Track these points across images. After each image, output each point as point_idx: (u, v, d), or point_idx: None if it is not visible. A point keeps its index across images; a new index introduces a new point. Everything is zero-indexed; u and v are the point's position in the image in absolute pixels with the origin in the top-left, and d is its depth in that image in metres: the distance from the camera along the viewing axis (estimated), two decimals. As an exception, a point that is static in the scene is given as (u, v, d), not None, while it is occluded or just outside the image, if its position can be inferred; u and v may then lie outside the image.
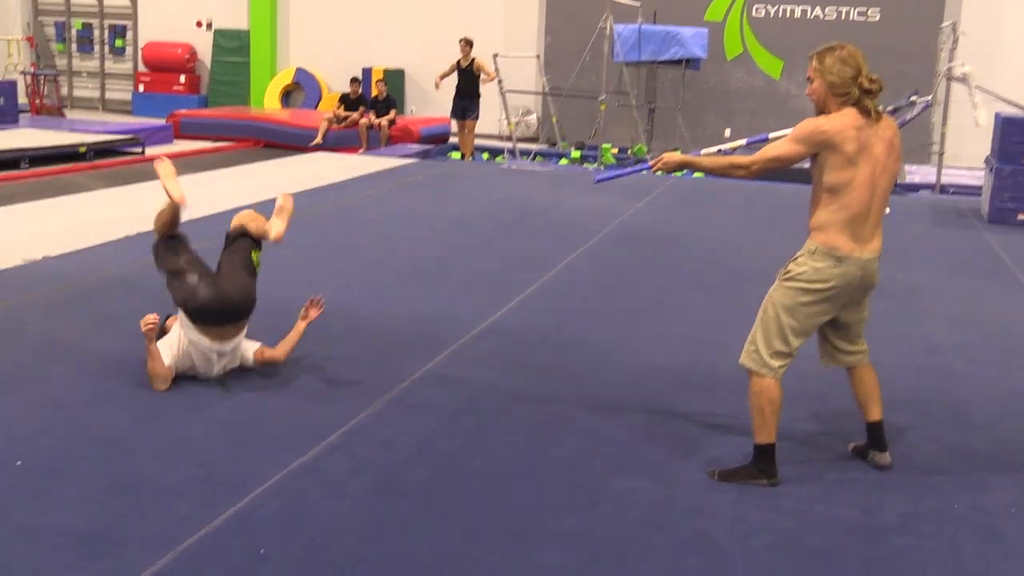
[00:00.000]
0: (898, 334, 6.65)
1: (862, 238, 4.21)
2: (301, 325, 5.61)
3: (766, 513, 4.04)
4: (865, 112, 4.17)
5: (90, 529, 3.63)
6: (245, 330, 5.37)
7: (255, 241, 5.61)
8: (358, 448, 4.49)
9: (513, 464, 4.40)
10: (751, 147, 4.84)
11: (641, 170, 4.75)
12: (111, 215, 9.87)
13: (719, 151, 4.51)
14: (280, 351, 5.47)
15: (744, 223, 10.85)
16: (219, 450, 4.39)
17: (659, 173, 4.37)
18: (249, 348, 5.40)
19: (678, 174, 4.23)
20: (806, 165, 4.33)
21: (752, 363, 4.28)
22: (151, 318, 5.03)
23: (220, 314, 5.18)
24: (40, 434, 4.48)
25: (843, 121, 4.14)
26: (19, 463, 4.13)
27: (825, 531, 3.91)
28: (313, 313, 5.66)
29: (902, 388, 5.56)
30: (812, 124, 4.18)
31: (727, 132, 19.28)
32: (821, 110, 4.24)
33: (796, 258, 4.26)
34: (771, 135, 4.65)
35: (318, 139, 16.95)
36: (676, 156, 4.47)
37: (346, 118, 17.35)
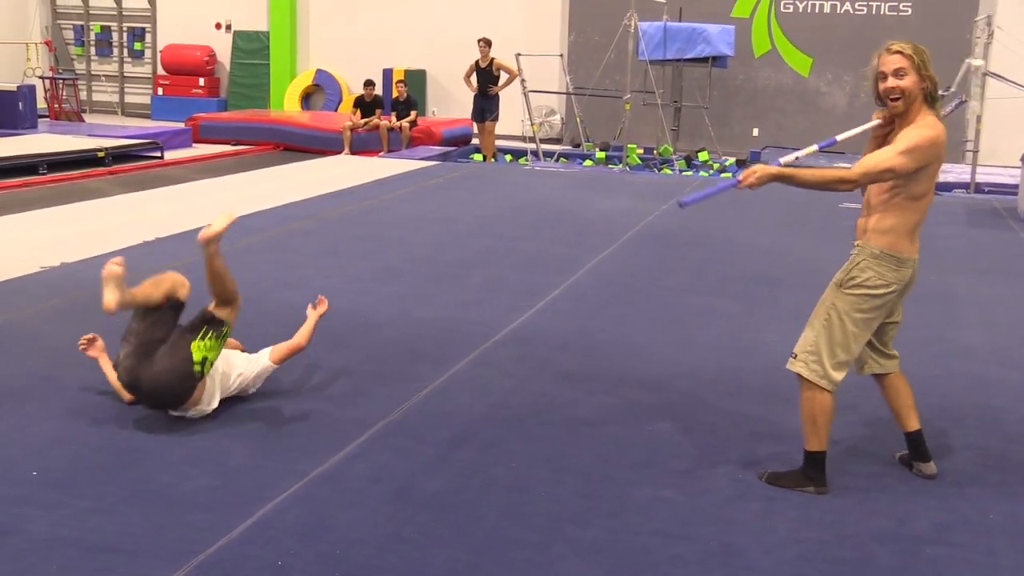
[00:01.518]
0: (930, 338, 6.59)
1: (917, 239, 4.19)
2: (313, 314, 5.45)
3: (795, 523, 4.00)
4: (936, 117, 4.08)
5: (105, 540, 3.64)
6: (206, 391, 4.79)
7: (209, 322, 4.74)
8: (378, 457, 4.49)
9: (534, 472, 4.39)
10: (822, 151, 4.54)
11: (728, 187, 4.20)
12: (130, 220, 9.93)
13: (796, 159, 4.21)
14: (302, 338, 5.25)
15: (770, 225, 10.80)
16: (237, 459, 4.40)
17: (747, 189, 3.96)
18: (260, 360, 5.10)
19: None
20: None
21: (813, 375, 4.18)
22: (83, 340, 5.06)
23: (142, 398, 4.75)
24: (55, 444, 4.50)
25: (941, 129, 4.03)
26: (35, 473, 4.15)
27: (856, 542, 3.88)
28: (322, 307, 5.52)
29: (935, 394, 5.51)
30: (926, 137, 3.97)
31: (755, 131, 19.21)
32: (903, 111, 4.04)
33: (857, 263, 4.16)
34: (839, 137, 4.42)
35: (345, 150, 16.99)
36: (769, 169, 4.00)
37: (366, 123, 17.40)
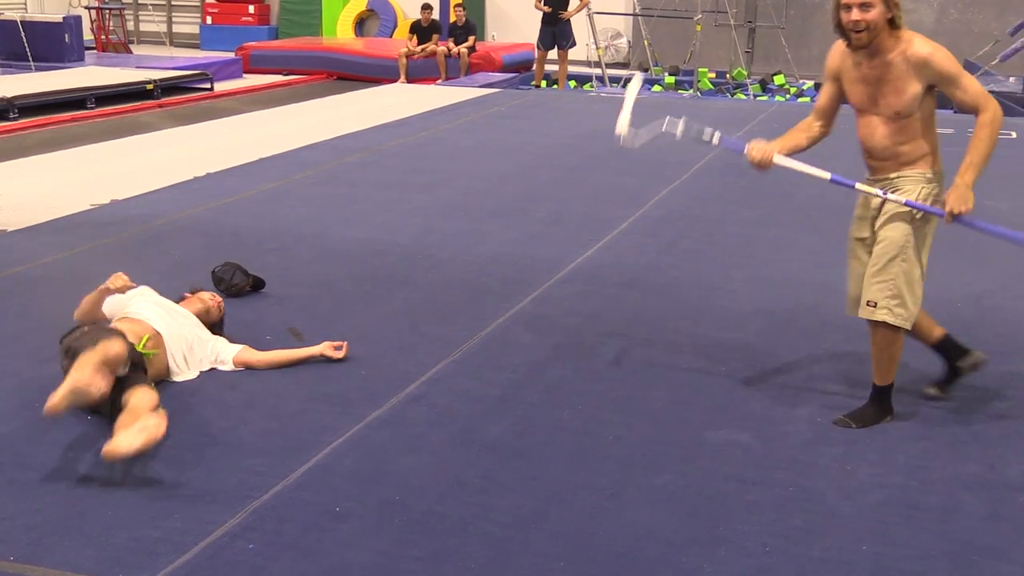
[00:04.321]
0: (1025, 271, 6.46)
1: None
2: (313, 351, 4.88)
3: (877, 468, 3.96)
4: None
5: (160, 486, 3.70)
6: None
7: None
8: (438, 399, 4.50)
9: (602, 416, 4.38)
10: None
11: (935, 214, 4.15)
12: (179, 155, 10.01)
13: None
14: (264, 358, 4.80)
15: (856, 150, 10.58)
16: (293, 403, 4.44)
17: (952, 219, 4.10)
18: (228, 349, 4.80)
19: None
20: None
21: (900, 320, 4.18)
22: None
23: None
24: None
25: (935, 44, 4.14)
26: (89, 417, 4.22)
27: (943, 488, 3.82)
28: (331, 352, 4.88)
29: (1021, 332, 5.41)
30: (948, 52, 4.09)
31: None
32: (866, 43, 4.07)
33: (918, 192, 4.15)
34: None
35: (401, 79, 16.93)
36: (966, 198, 4.05)
37: (422, 49, 17.30)
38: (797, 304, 5.86)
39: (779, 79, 17.23)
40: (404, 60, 17.10)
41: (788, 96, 16.46)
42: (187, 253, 6.61)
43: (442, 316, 5.56)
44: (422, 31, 17.49)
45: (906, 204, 4.13)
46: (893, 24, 4.06)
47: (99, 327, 4.46)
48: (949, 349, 4.57)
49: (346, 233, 7.15)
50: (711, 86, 16.84)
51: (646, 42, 17.78)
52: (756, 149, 4.31)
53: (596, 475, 3.87)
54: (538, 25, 16.26)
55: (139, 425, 3.69)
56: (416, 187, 8.71)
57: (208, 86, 15.97)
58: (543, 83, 16.73)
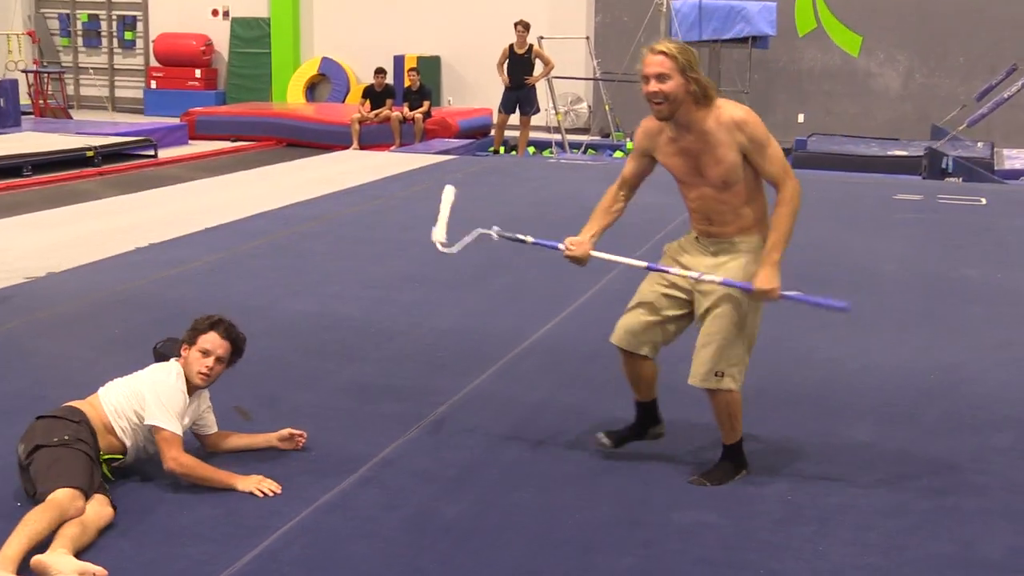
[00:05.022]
0: (997, 342, 6.53)
1: None
2: (270, 439, 4.75)
3: (850, 548, 3.96)
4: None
5: None
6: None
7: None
8: (391, 480, 4.47)
9: (564, 496, 4.36)
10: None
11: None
12: (121, 225, 9.96)
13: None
14: (216, 445, 4.67)
15: (819, 218, 10.72)
16: (238, 485, 4.38)
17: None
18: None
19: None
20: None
21: (736, 384, 4.40)
22: None
23: None
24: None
25: (748, 109, 4.37)
26: (19, 504, 4.14)
27: (918, 569, 3.83)
28: (286, 444, 4.74)
29: (1004, 403, 5.46)
30: (759, 120, 4.35)
31: (800, 118, 19.12)
32: (668, 116, 4.23)
33: (751, 258, 4.34)
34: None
35: (354, 145, 17.02)
36: (771, 278, 4.28)
37: (376, 114, 17.42)
38: (766, 375, 5.87)
39: (744, 144, 17.45)
40: (357, 126, 17.20)
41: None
42: (128, 329, 6.56)
43: (395, 392, 5.54)
44: (375, 96, 17.61)
45: (723, 283, 4.29)
46: (703, 96, 4.20)
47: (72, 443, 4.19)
48: (651, 412, 4.74)
49: (295, 306, 7.13)
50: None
51: (607, 107, 18.01)
52: (572, 244, 4.60)
53: (558, 558, 3.84)
54: (496, 89, 16.44)
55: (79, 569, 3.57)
56: (369, 257, 8.72)
57: (152, 153, 15.97)
58: (501, 149, 16.86)
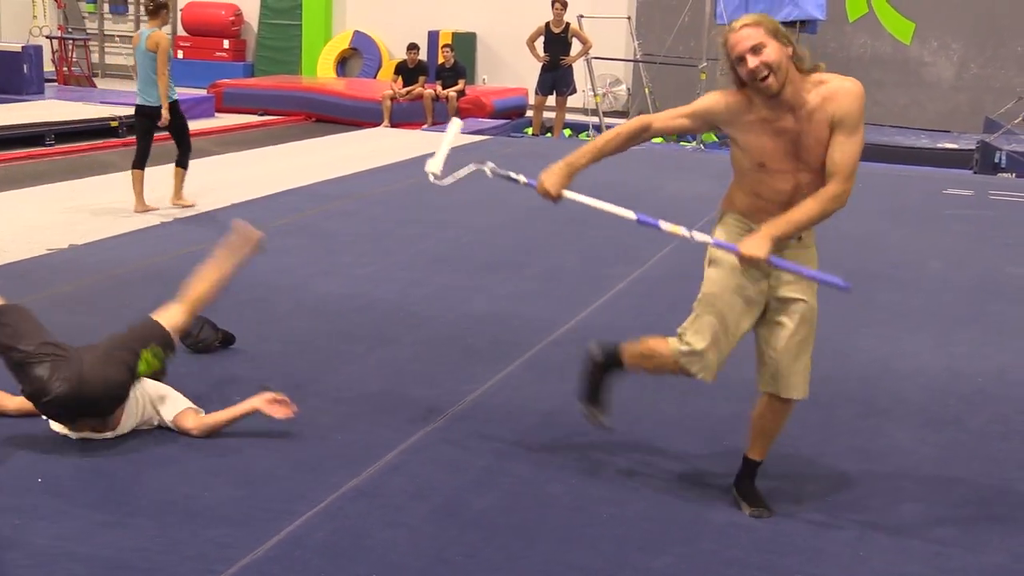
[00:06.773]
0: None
1: None
2: (255, 404, 4.72)
3: (891, 555, 3.95)
4: None
5: (117, 556, 3.67)
6: (127, 410, 4.64)
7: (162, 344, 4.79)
8: (419, 469, 4.49)
9: (596, 491, 4.37)
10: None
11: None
12: (146, 197, 10.00)
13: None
14: (201, 424, 4.69)
15: (864, 211, 10.67)
16: (264, 469, 4.42)
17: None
18: (170, 410, 4.71)
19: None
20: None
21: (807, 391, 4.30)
22: None
23: (78, 411, 4.51)
24: (63, 449, 4.54)
25: (855, 81, 4.03)
26: (39, 480, 4.19)
27: (963, 577, 3.82)
28: (273, 409, 4.69)
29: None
30: (861, 99, 3.97)
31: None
32: (778, 90, 3.87)
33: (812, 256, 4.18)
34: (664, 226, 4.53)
35: (385, 122, 17.02)
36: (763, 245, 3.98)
37: (408, 92, 17.42)
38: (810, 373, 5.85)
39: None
40: (388, 103, 17.20)
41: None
42: (150, 304, 6.56)
43: (426, 378, 5.56)
44: (408, 72, 17.59)
45: (714, 244, 4.26)
46: (801, 68, 3.91)
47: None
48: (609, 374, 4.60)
49: (325, 286, 7.16)
50: (715, 139, 16.97)
51: (647, 90, 17.94)
52: (544, 176, 4.62)
53: (589, 555, 3.85)
54: (533, 68, 16.42)
55: None
56: (401, 238, 8.74)
57: (178, 125, 16.01)
58: (538, 132, 16.84)
